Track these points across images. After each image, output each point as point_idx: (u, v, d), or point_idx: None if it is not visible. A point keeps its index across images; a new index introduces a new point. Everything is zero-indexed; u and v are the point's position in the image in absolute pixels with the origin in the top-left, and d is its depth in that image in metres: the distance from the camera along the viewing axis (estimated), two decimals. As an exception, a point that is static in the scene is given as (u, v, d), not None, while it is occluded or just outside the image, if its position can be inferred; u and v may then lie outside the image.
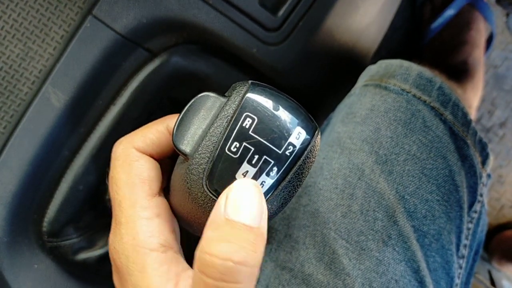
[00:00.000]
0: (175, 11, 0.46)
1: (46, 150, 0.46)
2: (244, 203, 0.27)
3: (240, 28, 0.49)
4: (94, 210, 0.51)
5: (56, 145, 0.47)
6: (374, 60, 0.54)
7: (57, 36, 0.45)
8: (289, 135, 0.29)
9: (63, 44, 0.45)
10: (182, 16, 0.47)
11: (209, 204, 0.29)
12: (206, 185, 0.29)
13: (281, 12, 0.50)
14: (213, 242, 0.26)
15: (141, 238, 0.30)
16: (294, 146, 0.29)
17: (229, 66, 0.52)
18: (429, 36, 0.90)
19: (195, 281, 0.27)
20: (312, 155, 0.30)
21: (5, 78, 0.45)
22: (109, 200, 0.34)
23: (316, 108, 0.60)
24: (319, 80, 0.58)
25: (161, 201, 0.33)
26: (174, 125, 0.30)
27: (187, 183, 0.29)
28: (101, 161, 0.49)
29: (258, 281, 0.45)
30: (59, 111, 0.46)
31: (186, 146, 0.30)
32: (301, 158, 0.30)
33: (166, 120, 0.34)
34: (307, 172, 0.30)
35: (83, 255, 0.51)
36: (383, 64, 0.51)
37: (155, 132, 0.33)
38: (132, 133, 0.34)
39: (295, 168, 0.30)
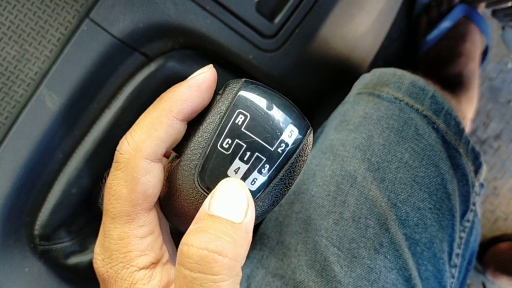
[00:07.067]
0: (172, 16, 0.46)
1: (40, 152, 0.46)
2: (227, 200, 0.27)
3: (236, 34, 0.49)
4: (87, 214, 0.51)
5: (50, 147, 0.47)
6: (369, 70, 0.54)
7: (53, 39, 0.45)
8: (282, 132, 0.29)
9: (60, 46, 0.45)
10: (179, 21, 0.47)
11: (200, 201, 0.29)
12: (197, 181, 0.29)
13: (277, 19, 0.50)
14: (191, 233, 0.26)
15: (133, 256, 0.29)
16: (287, 144, 0.29)
17: (225, 72, 0.52)
18: (424, 48, 0.91)
19: (176, 276, 0.26)
20: (304, 153, 0.30)
21: (0, 80, 0.45)
22: (102, 205, 0.32)
23: (310, 115, 0.60)
24: (314, 88, 0.58)
25: (154, 214, 0.31)
26: None
27: (179, 179, 0.29)
28: (95, 165, 0.49)
29: None
30: (53, 113, 0.46)
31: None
32: (293, 156, 0.30)
33: (169, 109, 0.29)
34: (299, 171, 0.30)
35: (74, 259, 0.51)
36: (376, 72, 0.51)
37: (165, 132, 0.29)
38: (143, 135, 0.29)
39: (287, 166, 0.30)
